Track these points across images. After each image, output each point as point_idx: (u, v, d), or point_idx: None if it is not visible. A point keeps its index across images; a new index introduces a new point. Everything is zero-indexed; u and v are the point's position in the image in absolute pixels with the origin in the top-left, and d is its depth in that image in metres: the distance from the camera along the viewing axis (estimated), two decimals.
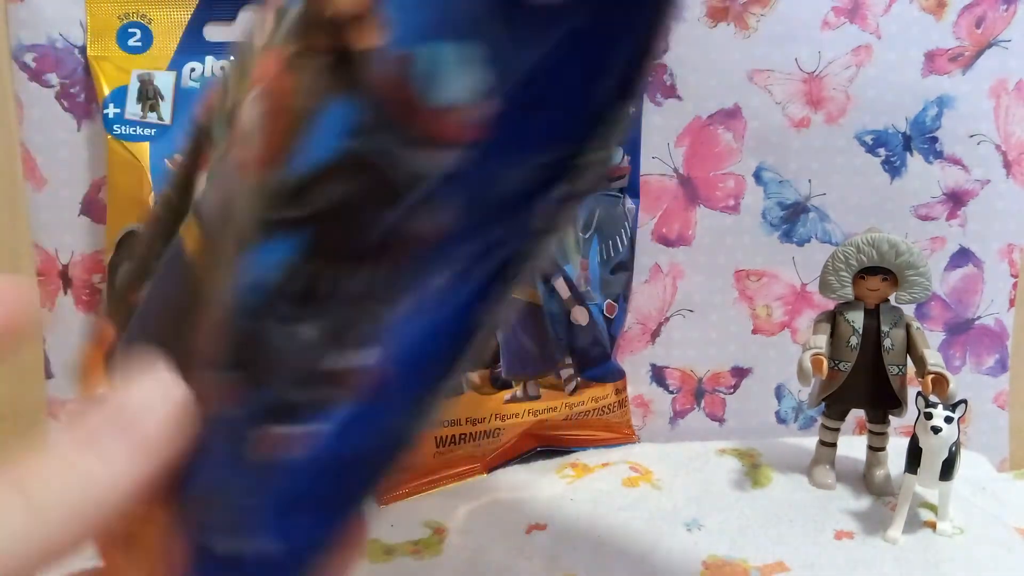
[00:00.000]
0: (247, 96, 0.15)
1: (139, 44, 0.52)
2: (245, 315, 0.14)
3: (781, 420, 0.63)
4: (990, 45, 0.57)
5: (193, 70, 0.52)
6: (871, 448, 0.52)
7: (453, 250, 0.14)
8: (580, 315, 0.56)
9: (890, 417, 0.51)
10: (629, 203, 0.57)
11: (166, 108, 0.51)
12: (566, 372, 0.56)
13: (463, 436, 0.53)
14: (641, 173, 0.58)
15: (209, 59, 0.52)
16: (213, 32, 0.53)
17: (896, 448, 0.50)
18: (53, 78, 0.52)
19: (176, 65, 0.52)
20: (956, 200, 0.59)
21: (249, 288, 0.14)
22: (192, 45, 0.52)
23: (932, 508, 0.47)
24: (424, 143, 0.13)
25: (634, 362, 0.62)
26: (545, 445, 0.58)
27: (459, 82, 0.13)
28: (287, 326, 0.14)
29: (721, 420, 0.63)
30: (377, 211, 0.14)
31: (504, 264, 0.15)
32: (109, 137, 0.50)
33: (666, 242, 0.60)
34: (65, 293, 0.54)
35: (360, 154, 0.14)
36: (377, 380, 0.15)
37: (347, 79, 0.13)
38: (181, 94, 0.52)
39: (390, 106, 0.13)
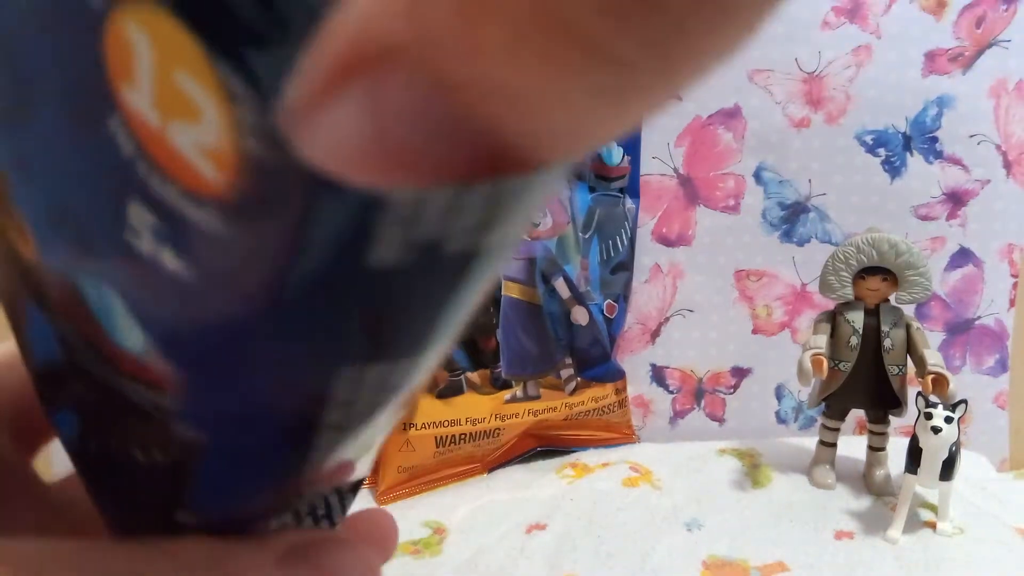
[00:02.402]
0: None
1: None
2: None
3: (781, 420, 0.63)
4: (990, 45, 0.57)
5: None
6: (871, 448, 0.52)
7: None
8: (580, 315, 0.56)
9: (890, 417, 0.51)
10: (629, 203, 0.57)
11: None
12: (566, 372, 0.56)
13: (463, 436, 0.53)
14: (641, 173, 0.58)
15: None
16: None
17: (896, 448, 0.50)
18: None
19: None
20: (956, 200, 0.59)
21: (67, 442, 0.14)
22: None
23: (932, 508, 0.47)
24: (136, 380, 0.11)
25: (634, 362, 0.62)
26: (545, 445, 0.58)
27: (127, 331, 0.10)
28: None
29: (721, 420, 0.63)
30: (125, 417, 0.12)
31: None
32: None
33: (666, 242, 0.60)
34: None
35: (78, 367, 0.12)
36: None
37: (30, 284, 0.11)
38: None
39: (81, 332, 0.11)
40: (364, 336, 0.10)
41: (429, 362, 0.11)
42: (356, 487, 0.16)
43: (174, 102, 0.08)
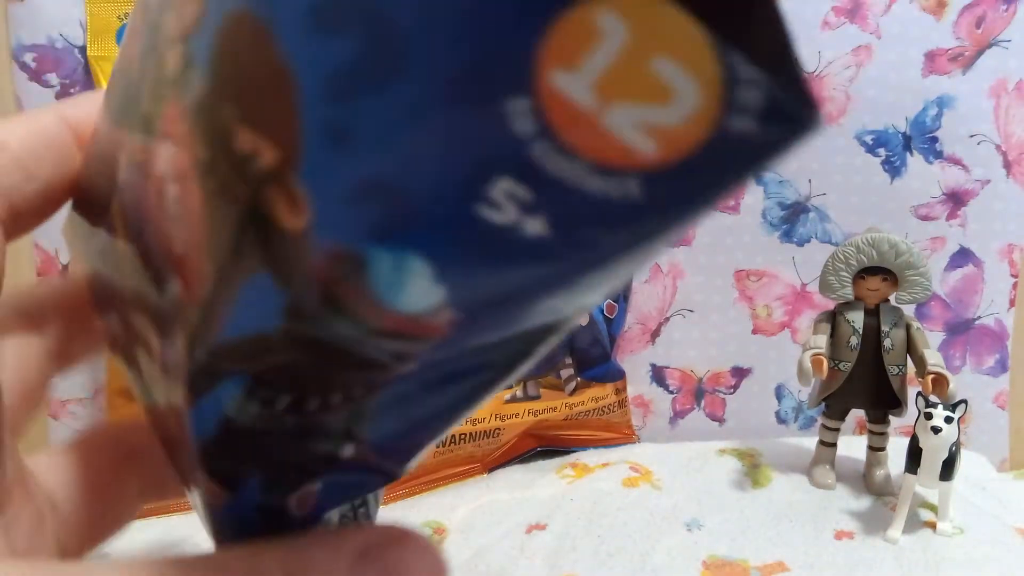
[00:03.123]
0: (159, 142, 0.13)
1: None
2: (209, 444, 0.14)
3: (781, 420, 0.63)
4: (990, 45, 0.57)
5: None
6: (871, 448, 0.52)
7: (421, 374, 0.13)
8: None
9: (890, 417, 0.51)
10: None
11: None
12: (566, 372, 0.56)
13: (463, 436, 0.53)
14: None
15: None
16: None
17: (896, 448, 0.50)
18: (53, 78, 0.52)
19: None
20: (956, 200, 0.59)
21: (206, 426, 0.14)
22: None
23: (932, 508, 0.47)
24: (391, 335, 0.12)
25: (634, 362, 0.62)
26: (545, 445, 0.58)
27: (418, 295, 0.11)
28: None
29: (721, 420, 0.63)
30: (333, 371, 0.13)
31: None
32: None
33: None
34: None
35: (306, 334, 0.12)
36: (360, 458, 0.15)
37: (275, 254, 0.11)
38: None
39: (342, 300, 0.11)
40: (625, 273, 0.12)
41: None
42: (388, 481, 0.16)
43: (634, 85, 0.09)
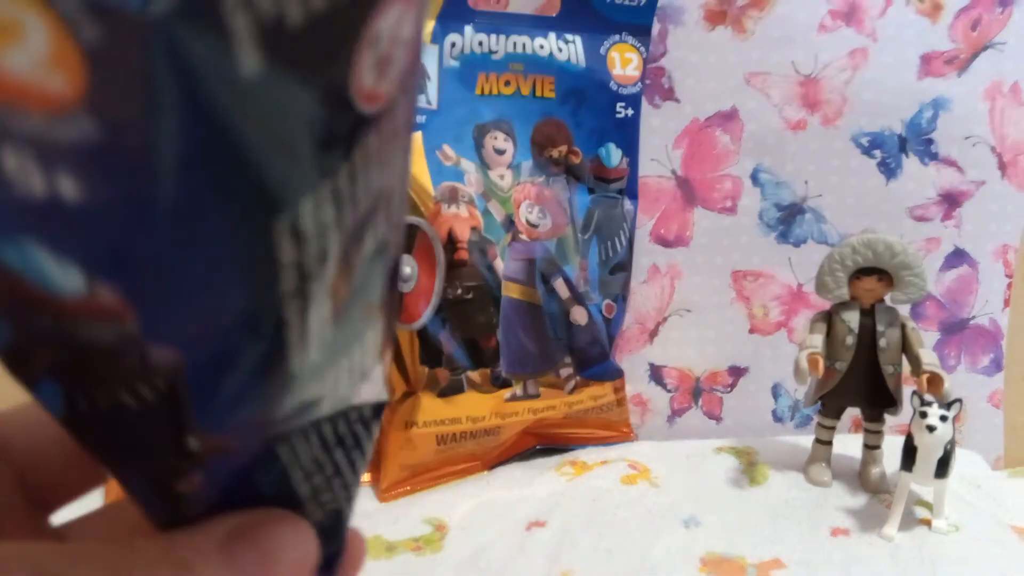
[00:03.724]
0: None
1: None
2: None
3: (778, 418, 0.63)
4: (985, 48, 0.57)
5: None
6: (867, 446, 0.52)
7: None
8: (579, 315, 0.56)
9: (885, 416, 0.51)
10: (628, 204, 0.58)
11: None
12: (565, 371, 0.57)
13: (464, 434, 0.53)
14: (640, 175, 0.58)
15: None
16: None
17: (891, 446, 0.50)
18: None
19: None
20: (951, 201, 0.59)
21: None
22: None
23: (927, 506, 0.48)
24: (84, 321, 0.12)
25: (632, 361, 0.62)
26: (545, 443, 0.58)
27: (66, 278, 0.11)
28: None
29: (718, 418, 0.63)
30: (97, 362, 0.12)
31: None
32: None
33: (664, 243, 0.60)
34: None
35: (33, 335, 0.12)
36: None
37: None
38: None
39: (19, 299, 0.11)
40: (273, 177, 0.10)
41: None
42: (378, 411, 0.16)
43: None
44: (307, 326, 0.13)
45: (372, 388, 0.16)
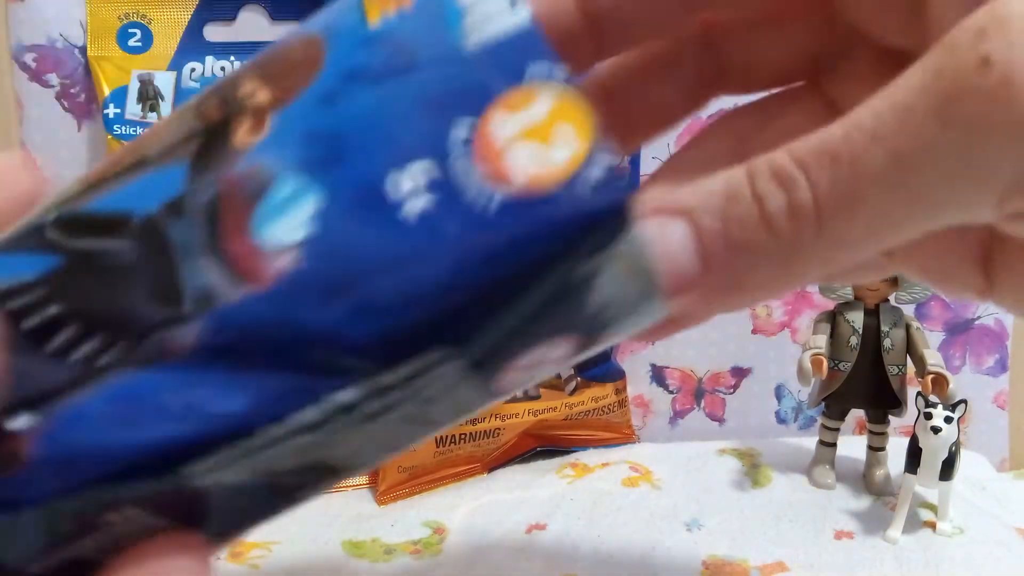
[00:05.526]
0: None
1: (139, 44, 0.52)
2: None
3: (781, 420, 0.63)
4: None
5: (193, 70, 0.52)
6: (871, 448, 0.52)
7: (195, 376, 0.13)
8: None
9: (890, 417, 0.51)
10: None
11: (166, 108, 0.51)
12: (566, 372, 0.56)
13: (463, 436, 0.53)
14: (641, 173, 0.58)
15: (209, 59, 0.52)
16: (213, 32, 0.53)
17: (896, 448, 0.50)
18: (53, 78, 0.52)
19: (176, 65, 0.52)
20: None
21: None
22: (192, 45, 0.52)
23: (932, 508, 0.47)
24: (226, 266, 0.13)
25: (634, 362, 0.62)
26: (545, 445, 0.58)
27: (287, 228, 0.13)
28: None
29: (721, 420, 0.63)
30: (140, 294, 0.13)
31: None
32: (109, 137, 0.50)
33: None
34: None
35: (156, 228, 0.13)
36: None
37: (202, 154, 0.13)
38: (181, 94, 0.52)
39: (220, 215, 0.13)
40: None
41: None
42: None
43: (539, 133, 0.13)
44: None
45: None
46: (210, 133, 0.14)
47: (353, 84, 0.13)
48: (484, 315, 0.13)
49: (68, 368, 0.13)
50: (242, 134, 0.13)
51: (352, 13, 0.14)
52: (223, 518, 0.15)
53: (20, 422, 0.13)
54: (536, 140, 0.13)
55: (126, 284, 0.13)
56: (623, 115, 0.20)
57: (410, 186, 0.13)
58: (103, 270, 0.13)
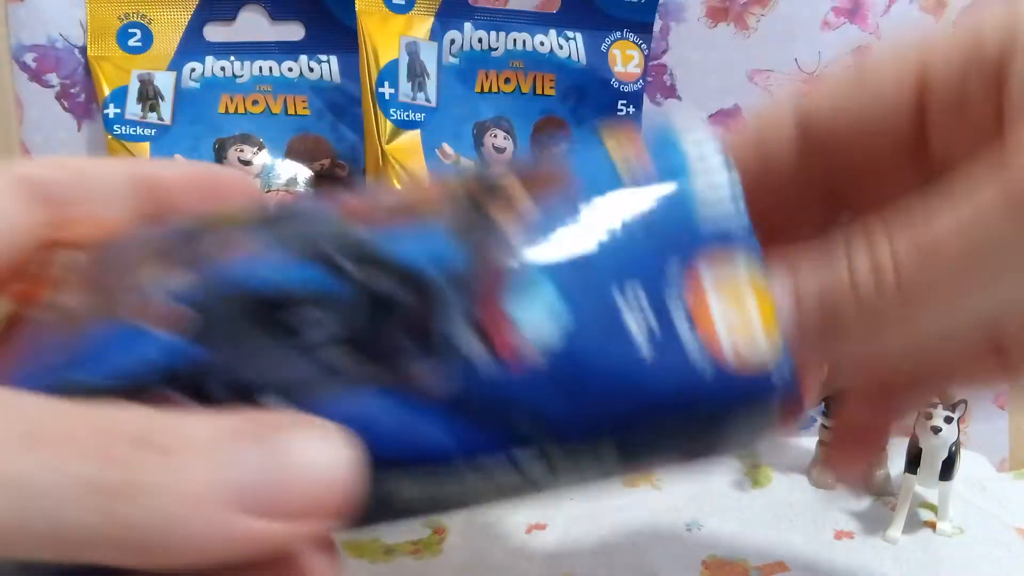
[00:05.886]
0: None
1: (139, 44, 0.52)
2: None
3: None
4: None
5: (193, 70, 0.52)
6: None
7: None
8: None
9: None
10: None
11: (166, 108, 0.51)
12: None
13: None
14: None
15: (209, 59, 0.52)
16: (213, 32, 0.53)
17: (896, 448, 0.50)
18: (53, 78, 0.52)
19: (176, 65, 0.52)
20: None
21: None
22: (192, 45, 0.52)
23: (932, 508, 0.47)
24: (481, 337, 0.15)
25: None
26: None
27: (541, 323, 0.15)
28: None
29: None
30: (401, 333, 0.16)
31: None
32: (109, 137, 0.50)
33: None
34: None
35: (431, 282, 0.16)
36: None
37: (472, 226, 0.16)
38: (181, 94, 0.52)
39: (480, 282, 0.16)
40: None
41: None
42: None
43: (744, 328, 0.16)
44: None
45: None
46: (481, 220, 0.16)
47: (599, 213, 0.16)
48: (651, 429, 0.16)
49: (323, 368, 0.15)
50: (511, 225, 0.16)
51: (599, 150, 0.18)
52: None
53: (269, 401, 0.15)
54: (742, 321, 0.16)
55: (397, 321, 0.15)
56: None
57: (644, 324, 0.16)
58: (382, 306, 0.16)
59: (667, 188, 0.17)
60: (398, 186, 0.19)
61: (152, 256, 0.16)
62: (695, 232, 0.16)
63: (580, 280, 0.16)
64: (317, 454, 0.14)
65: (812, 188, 0.23)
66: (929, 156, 0.22)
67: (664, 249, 0.16)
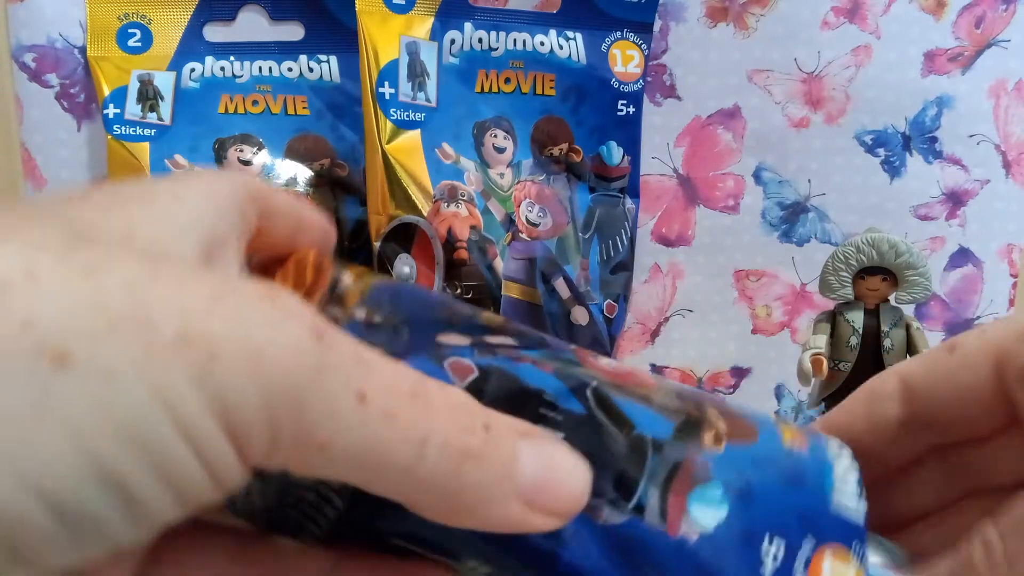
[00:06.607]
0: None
1: (139, 44, 0.52)
2: None
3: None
4: (989, 45, 0.57)
5: (193, 70, 0.52)
6: None
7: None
8: (580, 315, 0.56)
9: None
10: (629, 203, 0.57)
11: (166, 108, 0.51)
12: None
13: None
14: (641, 173, 0.58)
15: (209, 59, 0.52)
16: (213, 32, 0.53)
17: None
18: (53, 78, 0.52)
19: (176, 65, 0.52)
20: (955, 200, 0.59)
21: None
22: (192, 45, 0.52)
23: None
24: (662, 507, 0.19)
25: (634, 362, 0.62)
26: None
27: (710, 513, 0.19)
28: None
29: None
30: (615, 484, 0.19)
31: None
32: (109, 137, 0.50)
33: (666, 242, 0.60)
34: None
35: (646, 447, 0.19)
36: None
37: (684, 429, 0.20)
38: (181, 94, 0.52)
39: (679, 471, 0.19)
40: None
41: None
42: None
43: None
44: None
45: None
46: (691, 423, 0.20)
47: (769, 468, 0.21)
48: None
49: None
50: (708, 439, 0.20)
51: (774, 429, 0.23)
52: None
53: None
54: None
55: (609, 459, 0.19)
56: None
57: (770, 568, 0.19)
58: (602, 440, 0.19)
59: (815, 472, 0.21)
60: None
61: (448, 318, 0.20)
62: (828, 516, 0.20)
63: (739, 498, 0.19)
64: (573, 463, 0.17)
65: (923, 457, 0.25)
66: None
67: (807, 523, 0.20)
